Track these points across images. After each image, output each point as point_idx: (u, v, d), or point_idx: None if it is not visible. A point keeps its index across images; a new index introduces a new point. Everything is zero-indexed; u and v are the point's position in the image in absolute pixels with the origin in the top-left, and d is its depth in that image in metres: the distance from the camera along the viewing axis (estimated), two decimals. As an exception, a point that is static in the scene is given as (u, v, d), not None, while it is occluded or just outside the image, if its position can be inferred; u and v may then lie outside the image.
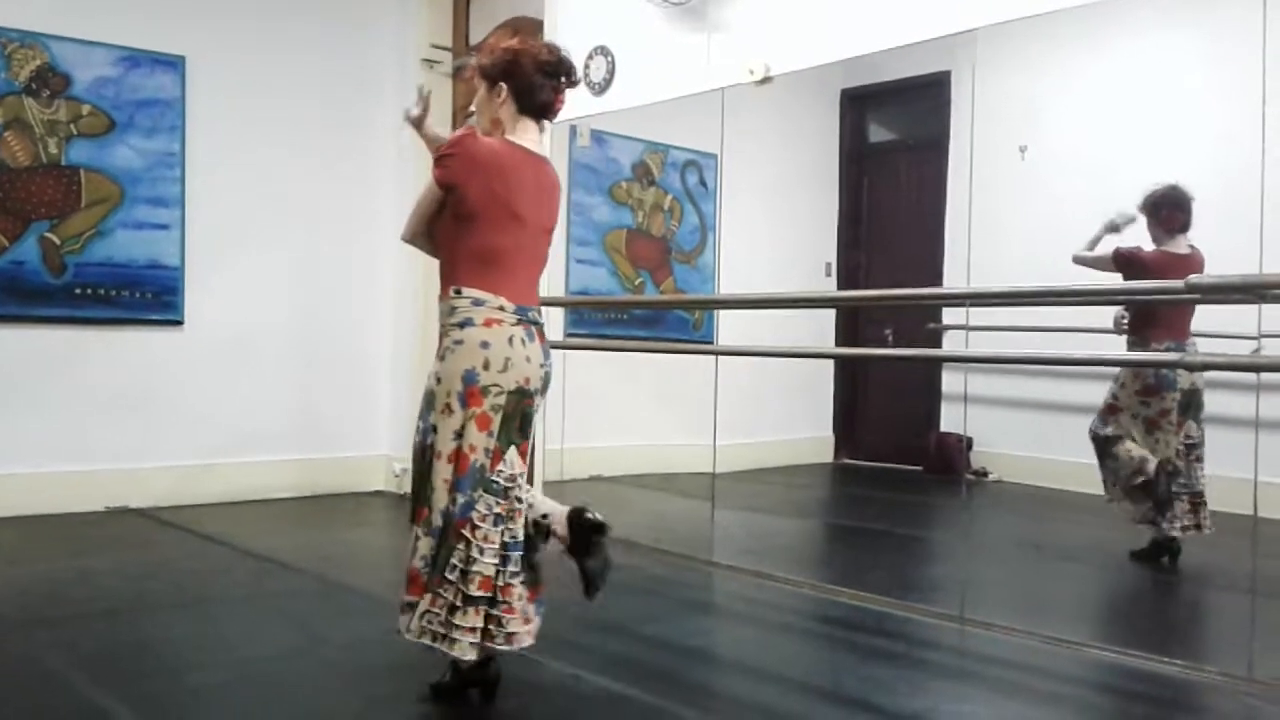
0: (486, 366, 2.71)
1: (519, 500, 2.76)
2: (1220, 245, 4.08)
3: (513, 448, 2.76)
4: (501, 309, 2.74)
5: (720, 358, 5.06)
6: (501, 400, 2.72)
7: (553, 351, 2.94)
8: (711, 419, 4.96)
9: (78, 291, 5.36)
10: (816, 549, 5.62)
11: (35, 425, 5.28)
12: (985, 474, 5.78)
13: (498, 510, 2.70)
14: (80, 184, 5.35)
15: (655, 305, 6.35)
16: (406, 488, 2.82)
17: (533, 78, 2.82)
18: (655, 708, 2.85)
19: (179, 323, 5.66)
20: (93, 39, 5.36)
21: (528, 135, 2.85)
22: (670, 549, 4.80)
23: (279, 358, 6.02)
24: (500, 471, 2.73)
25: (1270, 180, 3.33)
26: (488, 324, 2.72)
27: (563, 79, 2.87)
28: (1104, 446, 4.56)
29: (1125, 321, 4.51)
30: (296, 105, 6.04)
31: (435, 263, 2.91)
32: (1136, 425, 4.51)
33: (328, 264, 6.18)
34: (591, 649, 3.05)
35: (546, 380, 2.86)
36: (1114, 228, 4.52)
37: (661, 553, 4.76)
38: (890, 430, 6.73)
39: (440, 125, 6.29)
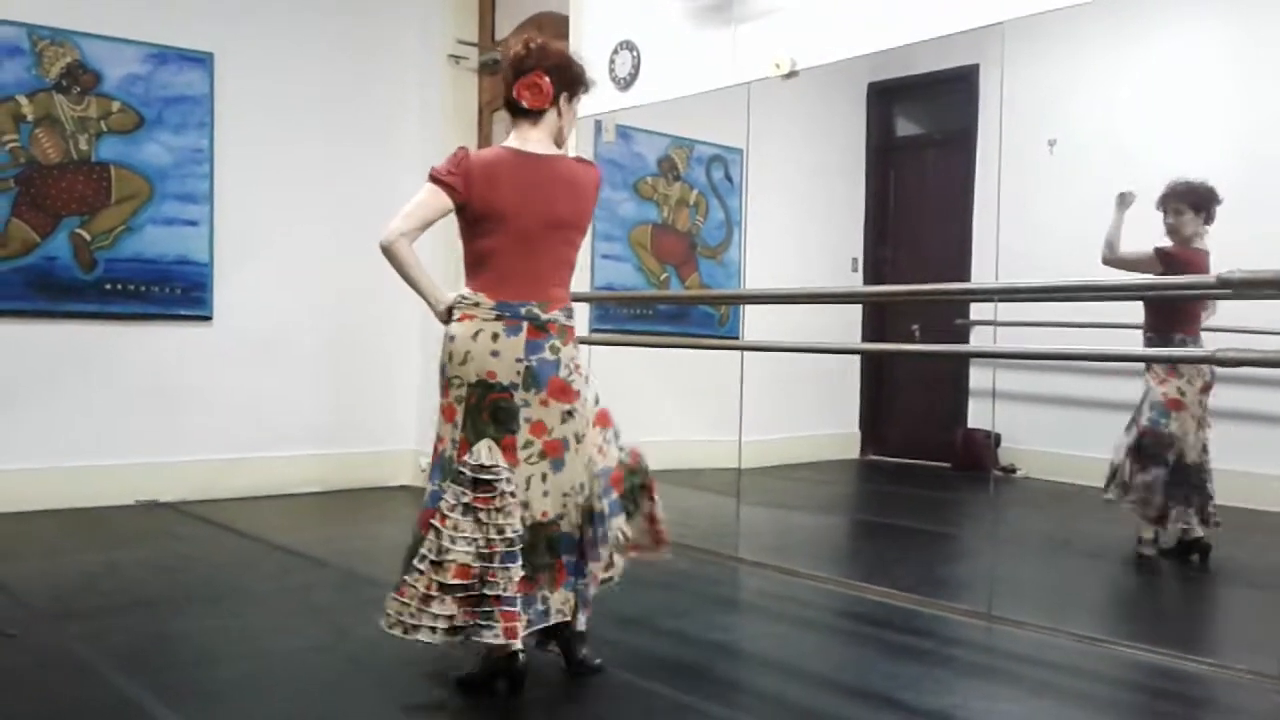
0: (450, 359, 2.84)
1: (510, 495, 2.74)
2: (1249, 239, 4.03)
3: (486, 441, 2.77)
4: (477, 305, 2.83)
5: (746, 353, 5.05)
6: (463, 392, 2.81)
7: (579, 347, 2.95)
8: (737, 414, 4.94)
9: (108, 287, 5.41)
10: (842, 545, 5.60)
11: (66, 419, 5.33)
12: (1013, 470, 5.73)
13: (466, 500, 2.73)
14: (110, 180, 5.40)
15: (680, 300, 6.34)
16: (454, 490, 2.82)
17: (509, 79, 2.89)
18: (679, 702, 2.84)
19: (208, 318, 5.71)
20: (122, 36, 5.41)
21: (526, 135, 2.89)
22: (695, 544, 4.79)
23: (306, 353, 6.06)
24: (466, 462, 2.76)
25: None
26: (461, 319, 2.85)
27: (525, 73, 2.85)
28: (1165, 443, 4.38)
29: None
30: (323, 101, 6.07)
31: (460, 259, 2.96)
32: (1191, 422, 4.42)
33: (355, 259, 6.18)
34: (616, 643, 3.05)
35: (531, 375, 2.80)
36: (1128, 204, 4.45)
37: (686, 548, 4.75)
38: (917, 426, 6.69)
39: (467, 120, 6.34)
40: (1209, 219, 4.31)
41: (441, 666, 2.95)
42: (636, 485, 3.03)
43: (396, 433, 6.39)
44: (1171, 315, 4.34)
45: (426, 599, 2.72)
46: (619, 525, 2.96)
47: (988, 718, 2.82)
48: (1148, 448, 4.38)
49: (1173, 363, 4.47)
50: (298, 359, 6.02)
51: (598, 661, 3.00)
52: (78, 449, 5.36)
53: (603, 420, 3.00)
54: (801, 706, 2.90)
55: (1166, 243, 4.39)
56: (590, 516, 2.89)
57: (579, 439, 2.89)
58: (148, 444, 5.56)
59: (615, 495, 2.95)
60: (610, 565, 3.01)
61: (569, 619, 2.89)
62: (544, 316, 2.83)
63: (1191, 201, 4.31)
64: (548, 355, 2.83)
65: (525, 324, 2.81)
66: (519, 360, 2.79)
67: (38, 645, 3.26)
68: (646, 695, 2.90)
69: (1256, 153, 4.42)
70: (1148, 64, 5.12)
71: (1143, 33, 5.02)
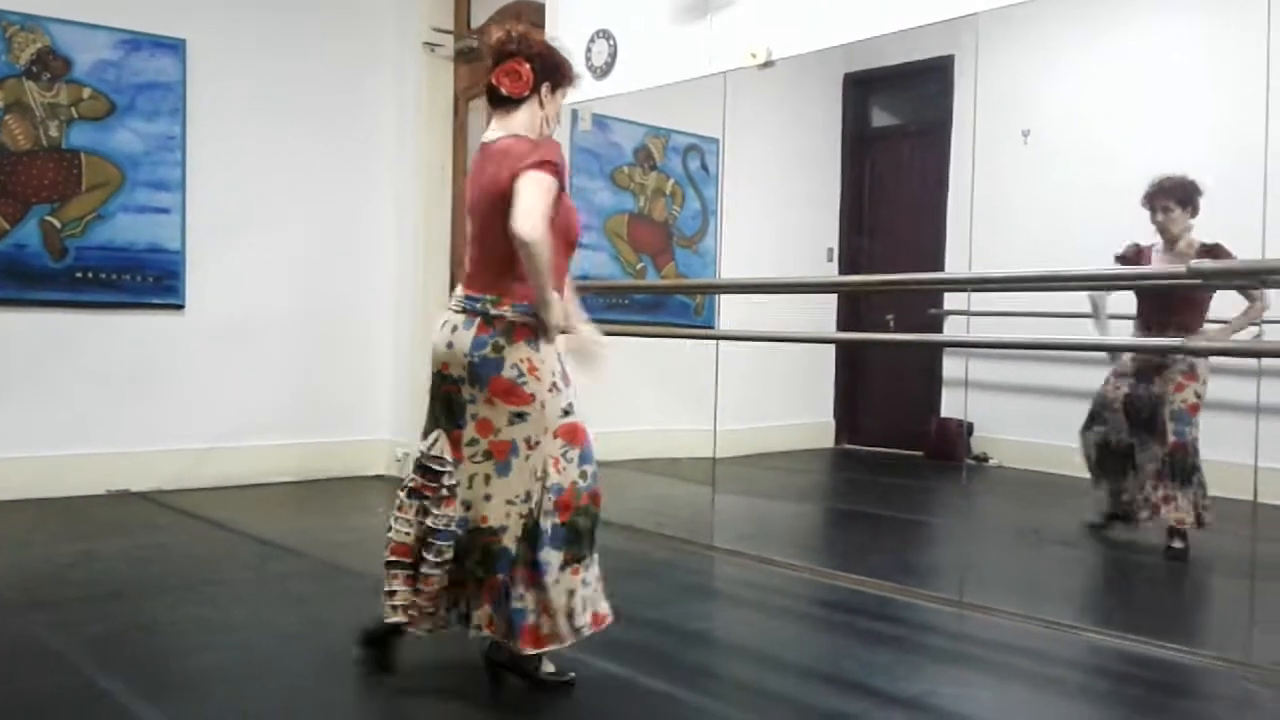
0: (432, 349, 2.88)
1: (448, 489, 2.74)
2: (1222, 232, 4.08)
3: (439, 431, 2.80)
4: (451, 297, 2.88)
5: (722, 343, 5.06)
6: (429, 383, 2.85)
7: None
8: (713, 404, 4.96)
9: (78, 275, 5.36)
10: (817, 534, 5.63)
11: (37, 409, 5.29)
12: (985, 459, 5.79)
13: (413, 485, 2.78)
14: (81, 167, 5.34)
15: (657, 290, 6.35)
16: (408, 472, 2.84)
17: (489, 66, 2.86)
18: (656, 691, 2.86)
19: (180, 307, 5.66)
20: (94, 22, 5.35)
21: (504, 125, 2.83)
22: (671, 533, 4.81)
23: (280, 342, 6.02)
24: (420, 449, 2.81)
25: (1273, 167, 3.33)
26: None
27: (506, 59, 2.81)
28: (1194, 453, 4.37)
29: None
30: (297, 88, 6.02)
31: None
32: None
33: (329, 248, 6.18)
34: (592, 633, 3.06)
35: (473, 371, 2.72)
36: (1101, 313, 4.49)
37: (663, 537, 4.77)
38: (891, 415, 6.74)
39: (443, 109, 6.31)
40: (1195, 212, 4.33)
41: (417, 656, 2.95)
42: (582, 529, 2.77)
43: (371, 422, 6.37)
44: (1188, 314, 4.28)
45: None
46: (556, 571, 2.71)
47: (959, 703, 2.84)
48: (1179, 462, 4.37)
49: (1140, 352, 4.51)
50: (271, 348, 5.99)
51: (570, 675, 2.85)
52: (49, 438, 5.32)
53: (570, 434, 2.77)
54: (776, 694, 2.92)
55: (1158, 241, 4.40)
56: (533, 535, 2.71)
57: (531, 444, 2.73)
58: (120, 433, 5.52)
59: (559, 521, 2.72)
60: (546, 613, 2.71)
61: (498, 640, 2.75)
62: (493, 312, 2.74)
63: (1179, 198, 4.33)
64: (489, 353, 2.73)
65: (478, 319, 2.75)
66: (465, 355, 2.74)
67: (9, 636, 3.24)
68: (622, 683, 2.91)
69: (1229, 143, 4.47)
70: (1121, 55, 5.16)
71: (1116, 24, 5.06)
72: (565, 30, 5.33)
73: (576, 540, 2.75)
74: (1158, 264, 4.36)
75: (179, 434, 5.69)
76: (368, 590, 3.22)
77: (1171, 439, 4.38)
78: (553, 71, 2.86)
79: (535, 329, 2.76)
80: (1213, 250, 4.14)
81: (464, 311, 2.77)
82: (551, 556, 2.71)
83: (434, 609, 2.78)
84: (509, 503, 2.73)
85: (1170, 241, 4.36)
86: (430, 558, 2.71)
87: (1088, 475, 4.66)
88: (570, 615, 2.73)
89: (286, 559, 4.34)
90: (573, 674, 2.84)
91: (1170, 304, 4.28)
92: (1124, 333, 4.53)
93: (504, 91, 2.80)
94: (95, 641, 3.15)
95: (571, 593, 2.74)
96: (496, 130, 2.84)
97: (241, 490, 5.74)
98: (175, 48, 5.59)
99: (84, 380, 5.41)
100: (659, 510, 5.23)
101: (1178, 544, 4.39)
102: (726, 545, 4.62)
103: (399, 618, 2.76)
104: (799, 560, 4.37)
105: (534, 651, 2.73)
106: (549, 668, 2.83)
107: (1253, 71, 3.40)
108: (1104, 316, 4.46)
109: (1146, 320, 4.41)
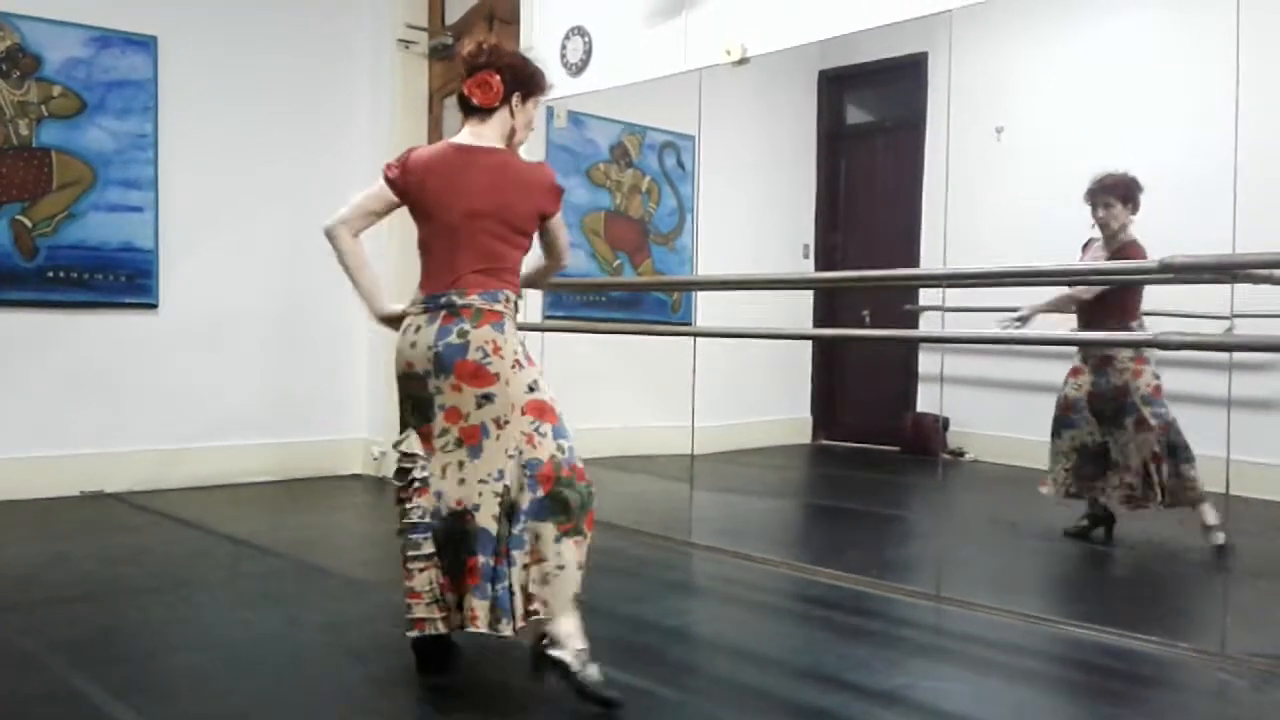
0: (396, 355, 2.93)
1: (420, 481, 2.80)
2: (1193, 226, 4.10)
3: (409, 431, 2.86)
4: (414, 302, 2.92)
5: (698, 339, 5.07)
6: (398, 386, 2.92)
7: (531, 334, 2.94)
8: (690, 401, 4.96)
9: (50, 275, 5.31)
10: (794, 529, 5.64)
11: (8, 409, 5.24)
12: (961, 454, 5.82)
13: (398, 485, 2.85)
14: (51, 166, 5.29)
15: (633, 287, 6.34)
16: (385, 471, 2.86)
17: (462, 76, 2.92)
18: (634, 687, 2.85)
19: (153, 306, 5.62)
20: (64, 19, 5.30)
21: (476, 132, 2.91)
22: (649, 530, 4.81)
23: (255, 341, 5.99)
24: (397, 454, 2.86)
25: (1243, 162, 3.36)
26: (405, 316, 2.94)
27: (477, 70, 2.87)
28: (1178, 429, 4.37)
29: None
30: (270, 85, 5.99)
31: (409, 247, 2.97)
32: None
33: (303, 246, 6.11)
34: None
35: (439, 360, 2.76)
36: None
37: (640, 534, 4.77)
38: (867, 411, 6.76)
39: (418, 106, 6.28)
40: (1136, 208, 4.38)
41: (393, 656, 2.94)
42: (572, 501, 2.75)
43: (347, 422, 6.34)
44: (1124, 308, 4.35)
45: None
46: (542, 539, 2.72)
47: (937, 697, 2.86)
48: (1173, 441, 4.35)
49: (1116, 346, 4.54)
50: (246, 347, 5.95)
51: (612, 694, 2.65)
52: (21, 439, 5.27)
53: (538, 410, 2.79)
54: (754, 689, 2.93)
55: (1097, 236, 4.43)
56: (511, 511, 2.74)
57: (500, 424, 2.76)
58: (93, 434, 5.47)
59: (541, 493, 2.73)
60: (531, 597, 2.72)
61: (491, 630, 2.70)
62: (459, 302, 2.79)
63: (1120, 194, 4.37)
64: (454, 339, 2.76)
65: (442, 312, 2.81)
66: (430, 347, 2.79)
67: (-18, 639, 3.21)
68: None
69: (1199, 139, 4.50)
70: (1095, 51, 5.19)
71: (1089, 20, 5.09)
72: (540, 27, 5.33)
73: (566, 510, 2.75)
74: (1095, 258, 4.41)
75: (153, 434, 5.64)
76: (342, 589, 3.21)
77: (1154, 422, 4.40)
78: (524, 82, 2.93)
79: (501, 314, 2.82)
80: (1125, 249, 4.26)
81: (425, 311, 2.85)
82: (543, 530, 2.73)
83: (437, 602, 2.77)
84: (481, 481, 2.76)
85: (1110, 237, 4.40)
86: (410, 553, 2.76)
87: (1058, 488, 4.63)
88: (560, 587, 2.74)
89: (261, 559, 4.32)
90: (616, 693, 2.66)
91: (1104, 294, 4.33)
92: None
93: (475, 102, 2.89)
94: (68, 643, 3.12)
95: (579, 564, 2.77)
96: (470, 137, 2.91)
97: (216, 490, 5.70)
98: (146, 45, 5.54)
99: (57, 380, 5.36)
100: (636, 507, 5.23)
101: (1219, 538, 4.17)
102: (704, 541, 4.63)
103: (414, 631, 2.79)
104: (776, 555, 4.38)
105: (524, 625, 2.73)
106: (594, 675, 2.67)
107: (1224, 66, 3.43)
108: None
109: (1087, 314, 4.43)
